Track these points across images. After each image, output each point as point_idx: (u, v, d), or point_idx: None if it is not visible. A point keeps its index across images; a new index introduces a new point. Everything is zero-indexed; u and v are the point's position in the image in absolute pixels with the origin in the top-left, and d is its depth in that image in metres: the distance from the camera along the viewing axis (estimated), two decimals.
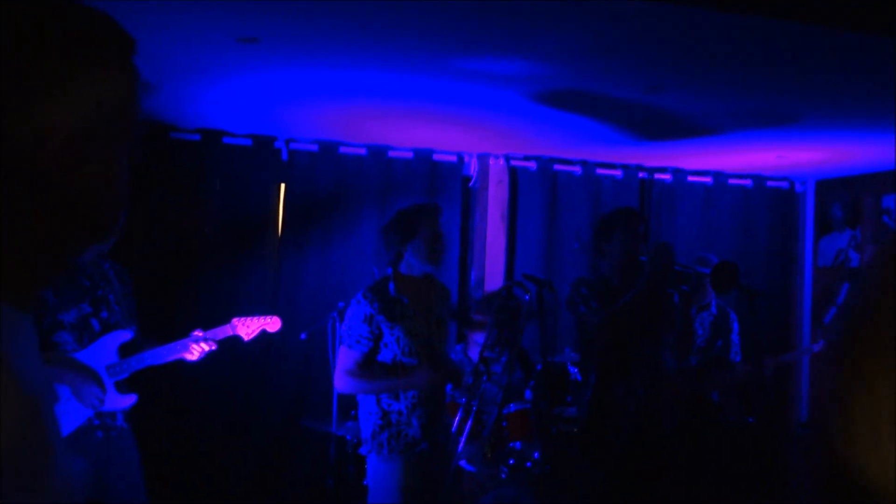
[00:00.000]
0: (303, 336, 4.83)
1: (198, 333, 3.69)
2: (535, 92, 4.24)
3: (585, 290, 3.96)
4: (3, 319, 0.79)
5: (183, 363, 3.72)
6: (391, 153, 5.92)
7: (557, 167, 6.27)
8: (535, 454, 4.72)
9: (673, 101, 4.37)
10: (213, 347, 3.70)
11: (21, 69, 0.78)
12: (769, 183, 6.83)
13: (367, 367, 3.71)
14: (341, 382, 3.78)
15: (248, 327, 3.87)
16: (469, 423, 3.78)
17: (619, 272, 4.03)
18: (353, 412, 4.90)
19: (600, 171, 6.36)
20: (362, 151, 5.87)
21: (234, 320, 3.85)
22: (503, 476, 4.55)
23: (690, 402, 4.88)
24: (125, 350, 3.63)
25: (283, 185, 5.83)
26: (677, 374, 4.77)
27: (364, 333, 3.69)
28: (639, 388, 3.89)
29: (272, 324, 3.95)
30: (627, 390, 3.87)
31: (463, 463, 4.38)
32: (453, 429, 3.83)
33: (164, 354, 3.65)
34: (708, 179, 6.61)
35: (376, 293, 3.74)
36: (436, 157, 6.02)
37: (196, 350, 3.66)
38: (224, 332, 3.79)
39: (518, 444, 4.74)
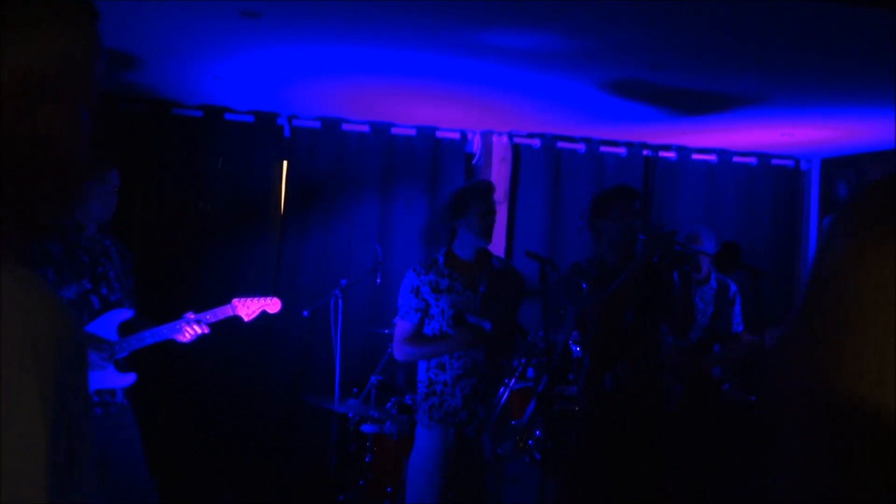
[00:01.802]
0: (305, 313, 4.83)
1: (189, 316, 3.69)
2: (540, 67, 4.21)
3: (579, 275, 3.96)
4: None
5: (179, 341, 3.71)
6: (394, 130, 5.89)
7: (561, 144, 6.24)
8: (537, 432, 4.72)
9: (678, 77, 4.34)
10: (206, 331, 3.69)
11: None
12: (774, 161, 6.79)
13: (418, 336, 3.94)
14: (397, 351, 4.02)
15: (248, 308, 3.86)
16: (502, 401, 3.89)
17: (615, 251, 4.02)
18: (354, 389, 4.92)
19: (604, 148, 6.32)
20: (365, 128, 5.84)
21: (235, 301, 3.84)
22: (538, 458, 4.56)
23: (691, 378, 4.88)
24: (125, 328, 3.63)
25: (285, 162, 5.81)
26: (678, 352, 4.76)
27: (413, 305, 3.92)
28: (642, 368, 3.88)
29: (272, 305, 3.95)
30: (629, 369, 3.87)
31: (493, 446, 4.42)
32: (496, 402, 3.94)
33: (164, 333, 3.65)
34: (712, 157, 6.57)
35: (426, 266, 3.96)
36: (439, 134, 5.99)
37: (188, 332, 3.65)
38: (224, 312, 3.79)
39: (517, 422, 4.74)
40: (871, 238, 0.67)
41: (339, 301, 4.71)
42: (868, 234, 0.67)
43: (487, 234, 3.96)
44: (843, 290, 0.67)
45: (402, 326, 3.98)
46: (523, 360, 4.01)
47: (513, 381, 3.95)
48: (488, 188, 4.05)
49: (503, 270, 4.11)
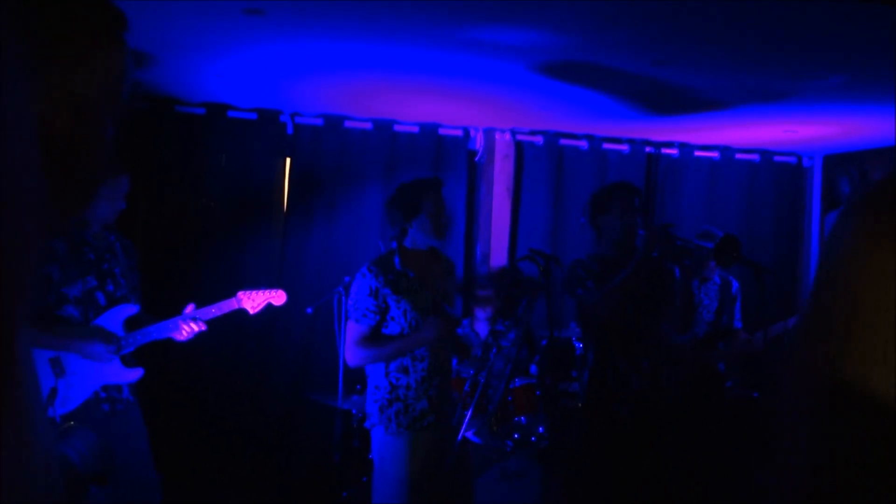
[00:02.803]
0: (308, 310, 4.83)
1: (188, 311, 3.69)
2: (542, 64, 4.21)
3: (581, 271, 3.95)
4: None
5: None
6: (397, 127, 5.90)
7: (563, 142, 6.24)
8: (540, 428, 4.74)
9: (679, 74, 4.34)
10: (203, 328, 3.69)
11: (41, 45, 0.85)
12: (776, 158, 6.80)
13: (375, 339, 3.68)
14: (351, 356, 3.73)
15: (253, 300, 3.86)
16: (476, 395, 3.74)
17: (616, 247, 4.02)
18: (358, 386, 4.93)
19: (607, 145, 6.33)
20: (367, 126, 5.85)
21: (240, 294, 3.85)
22: (508, 449, 4.57)
23: (697, 374, 4.89)
24: (131, 324, 3.64)
25: (288, 159, 5.82)
26: (684, 347, 4.77)
27: (370, 307, 3.67)
28: (643, 363, 3.88)
29: (278, 297, 3.95)
30: (630, 366, 3.87)
31: (469, 435, 4.39)
32: (459, 402, 3.82)
33: (170, 329, 3.66)
34: (715, 154, 6.58)
35: (381, 267, 3.71)
36: (441, 131, 5.99)
37: (185, 330, 3.64)
38: (229, 305, 3.79)
39: (523, 419, 4.76)
40: (880, 230, 0.68)
41: (343, 298, 4.71)
42: (878, 226, 0.69)
43: (441, 233, 3.76)
44: (853, 280, 0.69)
45: (356, 330, 3.70)
46: (494, 350, 3.92)
47: (483, 373, 3.85)
48: (438, 185, 3.81)
49: (447, 263, 3.98)
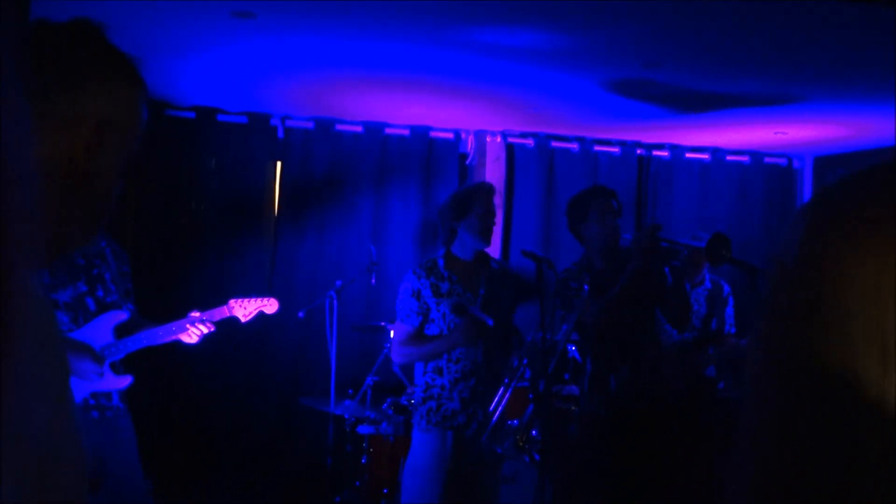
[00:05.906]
0: (300, 314, 4.81)
1: (195, 314, 3.64)
2: (533, 65, 4.20)
3: (574, 283, 3.93)
4: None
5: (179, 343, 3.67)
6: (387, 130, 5.88)
7: (555, 144, 6.24)
8: (533, 432, 4.72)
9: (671, 76, 4.34)
10: (212, 329, 3.64)
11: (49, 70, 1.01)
12: (767, 160, 6.80)
13: (417, 338, 3.92)
14: (396, 353, 4.03)
15: (244, 308, 3.82)
16: (505, 401, 3.86)
17: (601, 253, 4.00)
18: (350, 391, 4.91)
19: (598, 147, 6.32)
20: (358, 129, 5.82)
21: (231, 301, 3.80)
22: (526, 459, 4.55)
23: (687, 377, 4.88)
24: (121, 330, 3.59)
25: (278, 163, 5.79)
26: (677, 348, 4.76)
27: (413, 308, 3.89)
28: (643, 365, 3.87)
29: (270, 305, 3.91)
30: (633, 371, 3.86)
31: (498, 450, 4.40)
32: (492, 406, 3.91)
33: (161, 335, 3.61)
34: (706, 156, 6.58)
35: (426, 269, 3.93)
36: (432, 134, 5.98)
37: (194, 332, 3.59)
38: (221, 313, 3.74)
39: (515, 422, 4.74)
40: (841, 229, 0.68)
41: (335, 302, 4.69)
42: (839, 225, 0.69)
43: (487, 235, 3.94)
44: (816, 278, 0.69)
45: (401, 329, 3.94)
46: (525, 361, 3.98)
47: (514, 381, 3.93)
48: (490, 190, 4.01)
49: (501, 272, 4.09)
